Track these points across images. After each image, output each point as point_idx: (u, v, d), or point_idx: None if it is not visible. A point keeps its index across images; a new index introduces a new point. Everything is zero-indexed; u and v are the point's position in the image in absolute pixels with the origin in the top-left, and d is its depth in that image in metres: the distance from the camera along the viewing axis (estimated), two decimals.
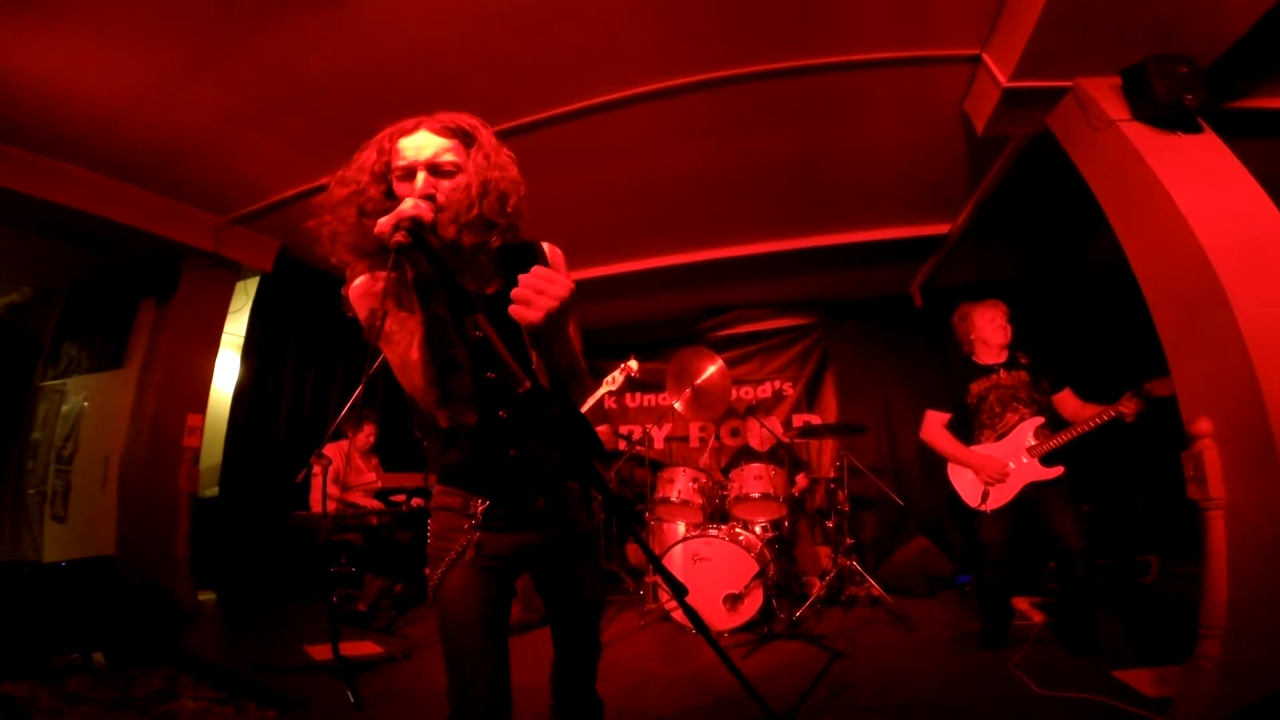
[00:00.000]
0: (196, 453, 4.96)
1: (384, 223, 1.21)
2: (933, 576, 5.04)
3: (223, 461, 5.33)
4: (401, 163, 1.37)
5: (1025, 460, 3.40)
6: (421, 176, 1.35)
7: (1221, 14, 2.67)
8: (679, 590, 1.35)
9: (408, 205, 1.24)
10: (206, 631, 4.31)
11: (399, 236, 1.18)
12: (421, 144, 1.38)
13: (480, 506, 1.48)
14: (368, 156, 1.41)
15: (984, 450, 3.52)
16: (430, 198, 1.32)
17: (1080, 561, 3.23)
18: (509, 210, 1.41)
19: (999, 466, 3.42)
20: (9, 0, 2.71)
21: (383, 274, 1.27)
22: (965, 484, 3.57)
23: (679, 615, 4.14)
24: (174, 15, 2.85)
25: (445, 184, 1.36)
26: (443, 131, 1.40)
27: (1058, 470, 3.34)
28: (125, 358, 5.25)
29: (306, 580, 5.17)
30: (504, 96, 3.43)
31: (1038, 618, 3.86)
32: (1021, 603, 4.07)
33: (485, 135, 1.43)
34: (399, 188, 1.37)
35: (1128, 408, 3.14)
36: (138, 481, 4.67)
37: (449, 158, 1.38)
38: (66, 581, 3.59)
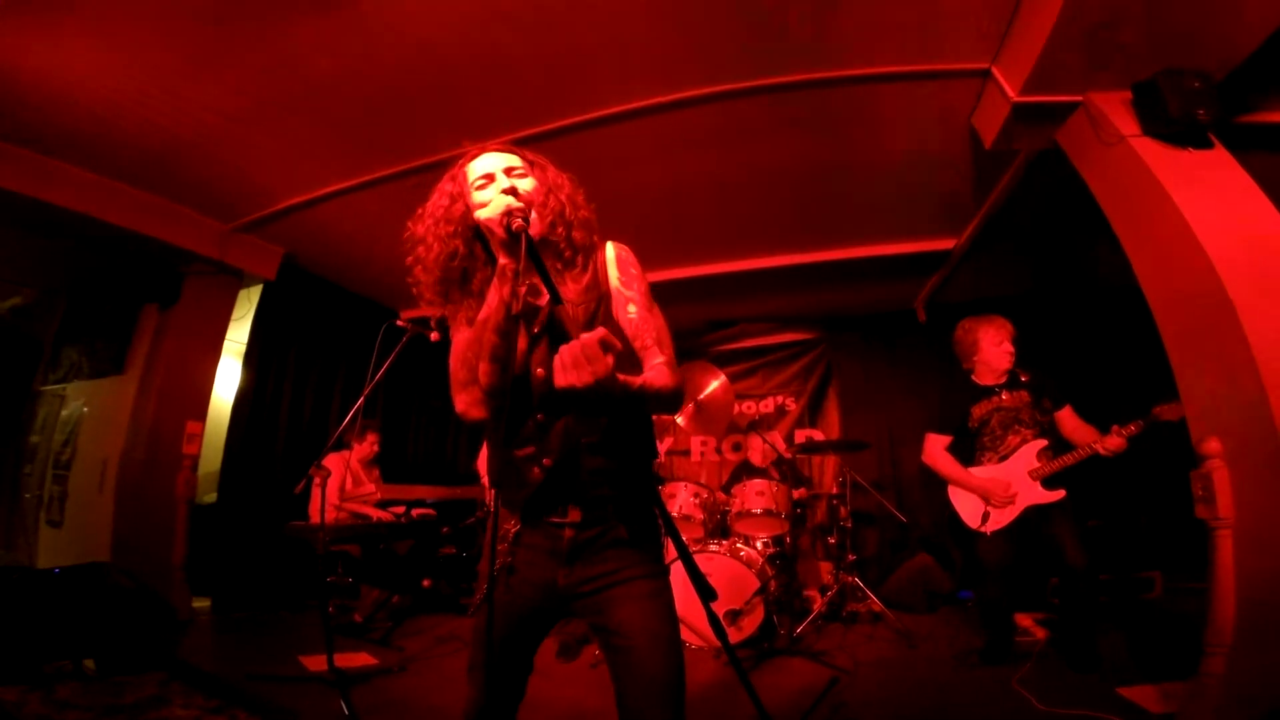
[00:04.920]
0: (195, 460, 4.94)
1: (494, 216, 1.40)
2: (934, 592, 4.99)
3: (221, 468, 5.30)
4: (478, 174, 1.52)
5: (1028, 483, 3.36)
6: (500, 176, 1.51)
7: (1235, 28, 2.66)
8: (707, 594, 1.34)
9: (507, 200, 1.41)
10: (200, 639, 4.25)
11: (517, 222, 1.34)
12: (492, 159, 1.55)
13: (513, 529, 1.48)
14: (442, 186, 1.58)
15: (986, 473, 3.48)
16: (513, 192, 1.45)
17: (1082, 579, 3.20)
18: (578, 215, 1.57)
19: (1006, 490, 3.37)
20: None
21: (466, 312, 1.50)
22: (965, 505, 3.53)
23: None
24: (179, 15, 2.85)
25: (522, 183, 1.50)
26: (506, 149, 1.58)
27: (1059, 494, 3.31)
28: (126, 363, 5.23)
29: (302, 589, 5.12)
30: (510, 106, 3.43)
31: (1040, 634, 3.82)
32: (1024, 619, 4.03)
33: (543, 159, 1.62)
34: (480, 196, 1.50)
35: (1112, 443, 3.12)
36: (135, 488, 4.65)
37: (518, 164, 1.55)
38: (59, 588, 3.56)
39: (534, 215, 1.46)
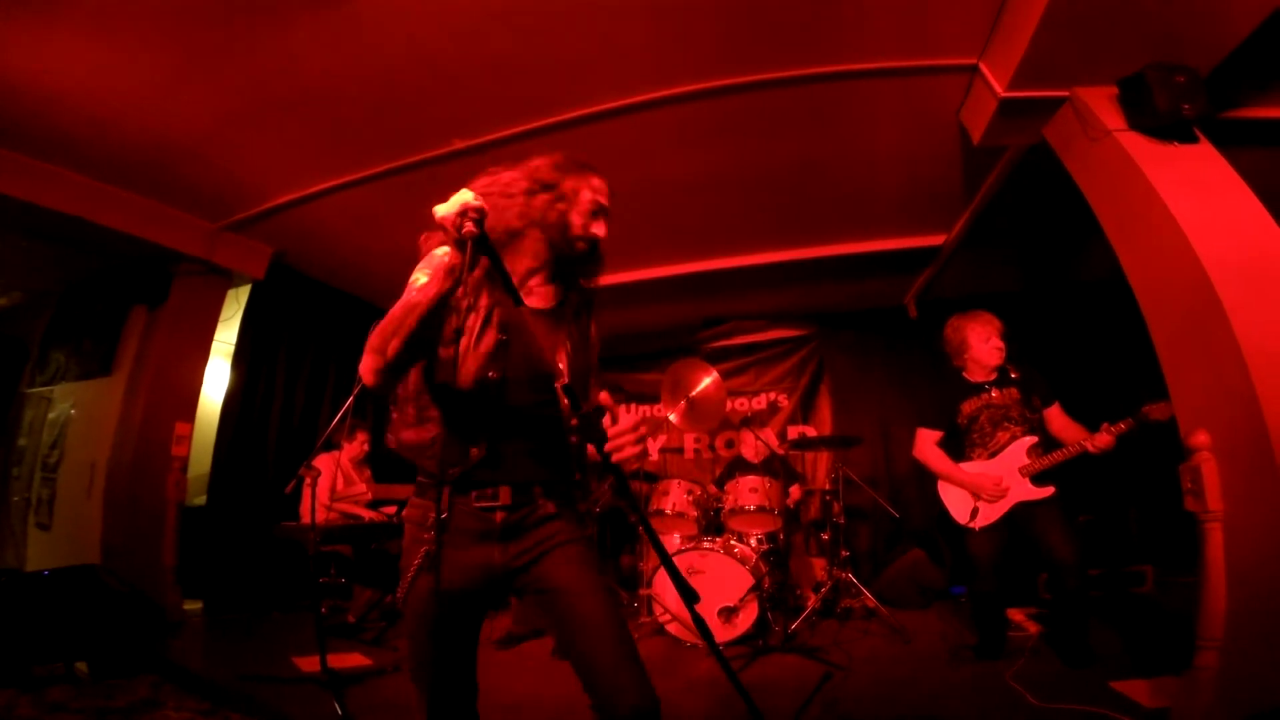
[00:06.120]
0: (184, 461, 4.91)
1: (449, 215, 1.33)
2: (927, 588, 5.01)
3: (211, 470, 5.28)
4: (601, 204, 1.67)
5: (1017, 479, 3.37)
6: (602, 205, 1.66)
7: (1219, 23, 2.68)
8: (690, 597, 1.36)
9: (469, 196, 1.35)
10: (192, 641, 4.24)
11: (469, 227, 1.31)
12: (608, 192, 1.70)
13: (437, 516, 1.48)
14: (554, 175, 1.65)
15: (976, 469, 3.49)
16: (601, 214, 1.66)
17: (1072, 573, 3.19)
18: None
19: (996, 484, 3.38)
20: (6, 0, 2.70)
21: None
22: (954, 500, 3.53)
23: (674, 628, 4.10)
24: (172, 17, 2.83)
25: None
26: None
27: (1049, 490, 3.31)
28: (114, 365, 5.19)
29: (294, 590, 5.10)
30: (502, 103, 3.42)
31: (1033, 629, 3.84)
32: (1017, 614, 4.05)
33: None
34: (591, 224, 1.64)
35: (1101, 441, 3.12)
36: (124, 490, 4.62)
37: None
38: (49, 590, 3.54)
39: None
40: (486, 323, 1.50)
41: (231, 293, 5.42)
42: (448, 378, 1.46)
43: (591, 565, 1.55)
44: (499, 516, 1.49)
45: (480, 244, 1.33)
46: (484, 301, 1.51)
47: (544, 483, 1.53)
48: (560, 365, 1.54)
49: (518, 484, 1.50)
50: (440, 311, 1.41)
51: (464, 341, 1.47)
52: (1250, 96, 3.27)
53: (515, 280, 1.54)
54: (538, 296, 1.63)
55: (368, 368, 1.45)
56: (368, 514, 4.81)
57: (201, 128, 3.60)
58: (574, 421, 1.41)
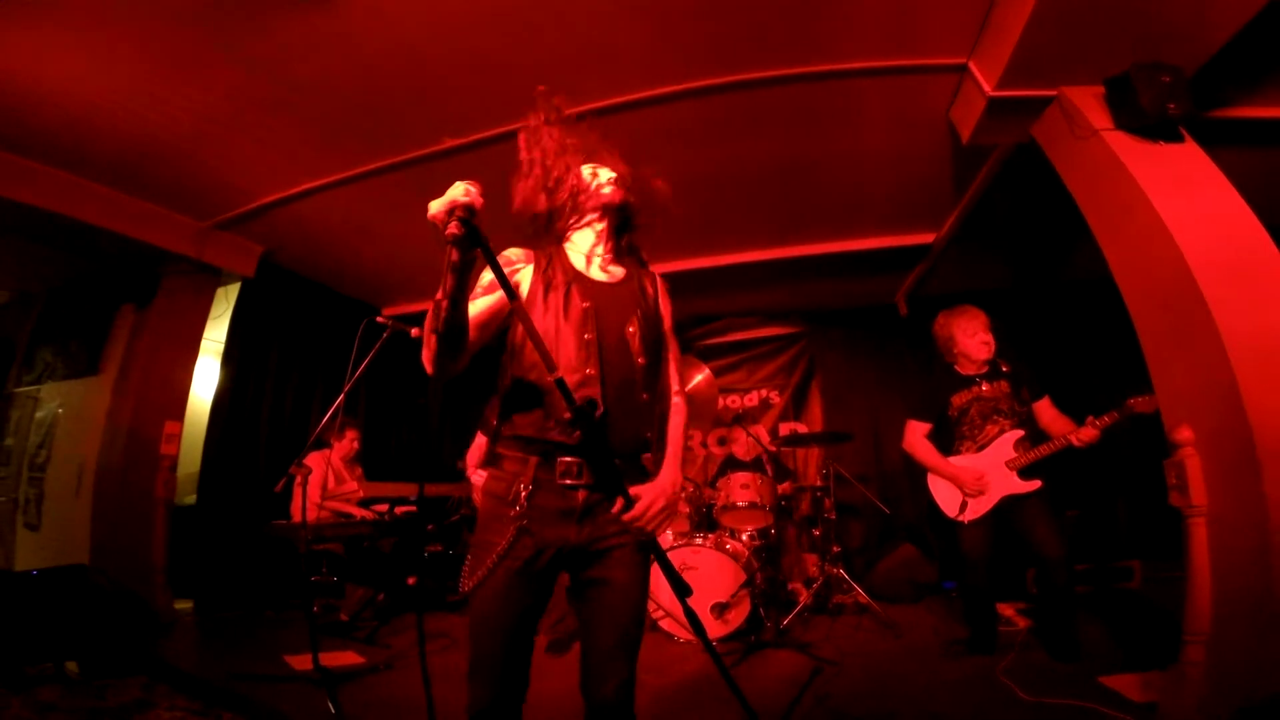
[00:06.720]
0: (174, 460, 4.89)
1: (438, 212, 1.29)
2: (919, 583, 5.05)
3: (201, 469, 5.24)
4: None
5: (1004, 473, 3.41)
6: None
7: (1204, 24, 2.71)
8: (683, 590, 1.39)
9: (458, 193, 1.30)
10: (183, 640, 4.21)
11: (453, 228, 1.28)
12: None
13: (524, 491, 1.50)
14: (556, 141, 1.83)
15: (963, 462, 3.52)
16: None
17: (1059, 568, 3.23)
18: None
19: (978, 479, 3.42)
20: None
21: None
22: (944, 494, 3.57)
23: (666, 624, 4.11)
24: (161, 15, 2.81)
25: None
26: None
27: (1035, 484, 3.34)
28: (102, 364, 5.16)
29: (286, 589, 5.09)
30: (491, 103, 3.39)
31: (1022, 623, 3.87)
32: (1007, 609, 4.08)
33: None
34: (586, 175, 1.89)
35: (1086, 434, 3.16)
36: (113, 489, 4.59)
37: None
38: (38, 590, 3.52)
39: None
40: (567, 299, 1.60)
41: (221, 291, 5.40)
42: (534, 371, 1.54)
43: (644, 573, 1.60)
44: (581, 495, 1.52)
45: (469, 241, 1.31)
46: (559, 279, 1.63)
47: (623, 456, 1.56)
48: (634, 336, 1.63)
49: (603, 464, 1.50)
50: (456, 304, 1.39)
51: (551, 321, 1.57)
52: (1235, 96, 3.31)
53: (586, 258, 1.73)
54: (607, 273, 1.76)
55: (424, 358, 1.48)
56: (359, 512, 4.80)
57: (191, 126, 3.58)
58: (567, 415, 1.41)
